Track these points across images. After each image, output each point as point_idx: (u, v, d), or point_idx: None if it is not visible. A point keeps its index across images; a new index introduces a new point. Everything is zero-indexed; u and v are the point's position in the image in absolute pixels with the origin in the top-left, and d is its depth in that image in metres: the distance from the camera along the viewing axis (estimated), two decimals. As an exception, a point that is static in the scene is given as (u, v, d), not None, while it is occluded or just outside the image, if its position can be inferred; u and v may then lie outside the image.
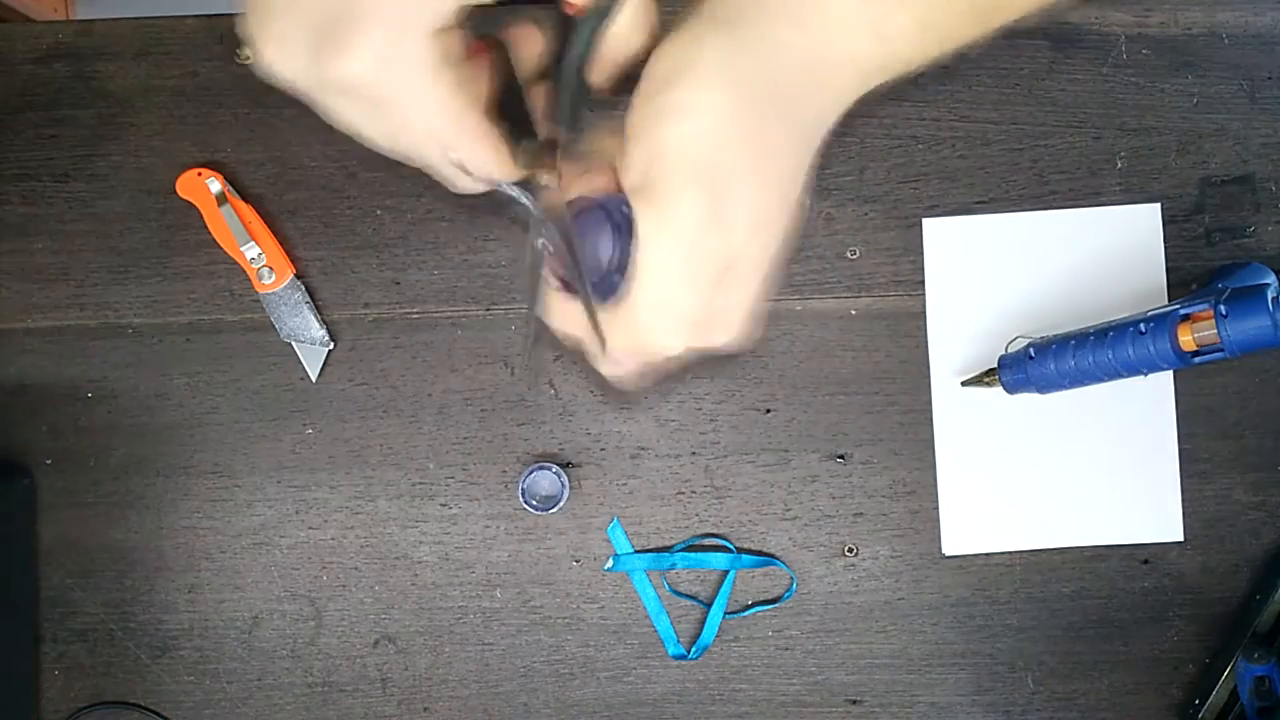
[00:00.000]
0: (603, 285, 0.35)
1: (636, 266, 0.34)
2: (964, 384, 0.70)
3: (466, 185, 0.36)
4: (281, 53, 0.32)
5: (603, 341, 0.35)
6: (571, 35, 0.34)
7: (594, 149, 0.36)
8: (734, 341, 0.36)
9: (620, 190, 0.34)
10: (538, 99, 0.36)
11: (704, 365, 0.36)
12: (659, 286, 0.34)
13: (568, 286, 0.36)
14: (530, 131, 0.36)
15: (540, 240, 0.36)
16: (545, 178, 0.35)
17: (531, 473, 0.69)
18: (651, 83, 0.33)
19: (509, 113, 0.35)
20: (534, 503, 0.69)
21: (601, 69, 0.35)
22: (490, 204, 0.36)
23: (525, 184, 0.36)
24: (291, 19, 0.31)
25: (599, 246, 0.35)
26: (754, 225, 0.34)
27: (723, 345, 0.36)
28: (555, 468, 0.69)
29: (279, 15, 0.31)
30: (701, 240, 0.33)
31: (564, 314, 0.37)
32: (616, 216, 0.34)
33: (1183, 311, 0.61)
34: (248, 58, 0.70)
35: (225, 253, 0.69)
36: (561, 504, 0.69)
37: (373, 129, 0.34)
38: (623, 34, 0.34)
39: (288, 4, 0.31)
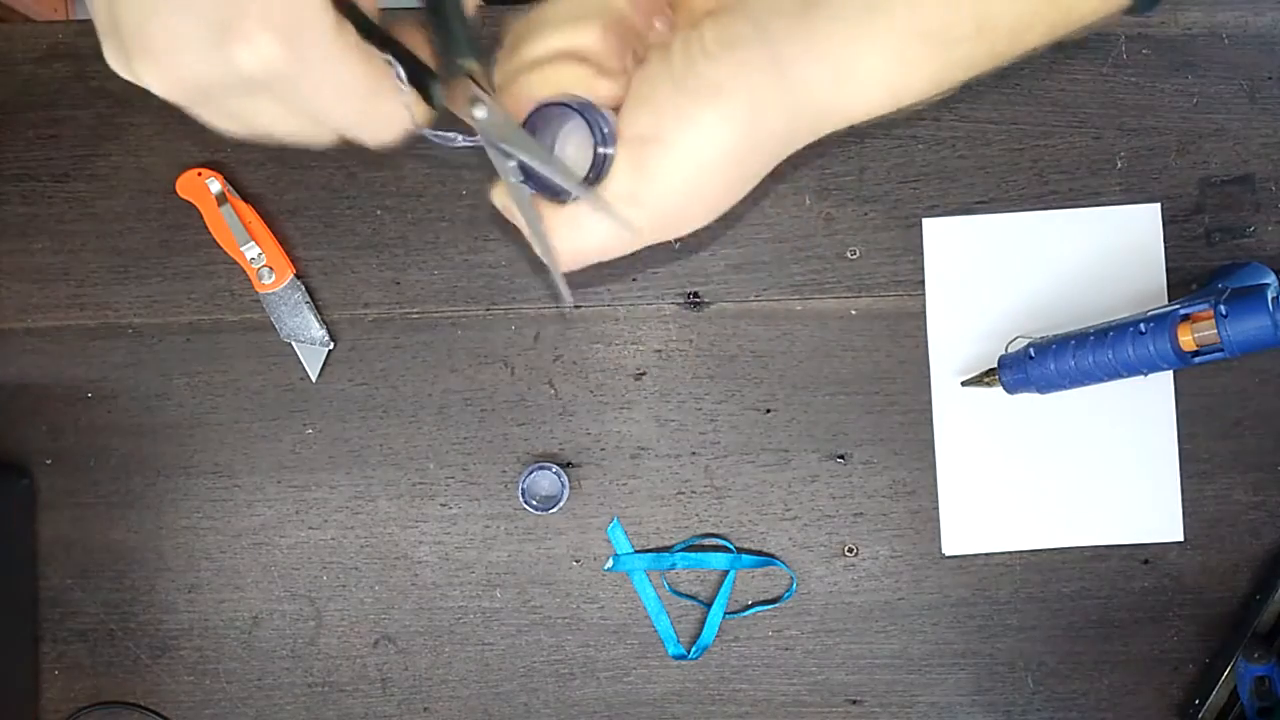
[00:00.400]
0: (554, 184, 0.36)
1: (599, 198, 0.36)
2: (964, 384, 0.70)
3: (385, 140, 0.36)
4: (172, 57, 0.30)
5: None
6: None
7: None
8: None
9: (586, 101, 0.35)
10: (407, 32, 0.36)
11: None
12: (598, 236, 0.37)
13: (535, 184, 0.37)
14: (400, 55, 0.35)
15: (510, 164, 0.36)
16: (480, 110, 0.35)
17: (531, 473, 0.69)
18: (689, 77, 0.35)
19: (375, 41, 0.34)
20: (534, 503, 0.69)
21: None
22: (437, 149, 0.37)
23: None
24: (181, 18, 0.29)
25: (571, 143, 0.36)
26: (699, 223, 0.38)
27: None
28: (555, 468, 0.69)
29: (167, 15, 0.29)
30: (655, 230, 0.37)
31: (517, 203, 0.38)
32: (593, 121, 0.35)
33: (1183, 311, 0.61)
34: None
35: (225, 253, 0.69)
36: (561, 504, 0.69)
37: (283, 118, 0.33)
38: None
39: (175, 3, 0.29)
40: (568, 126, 0.36)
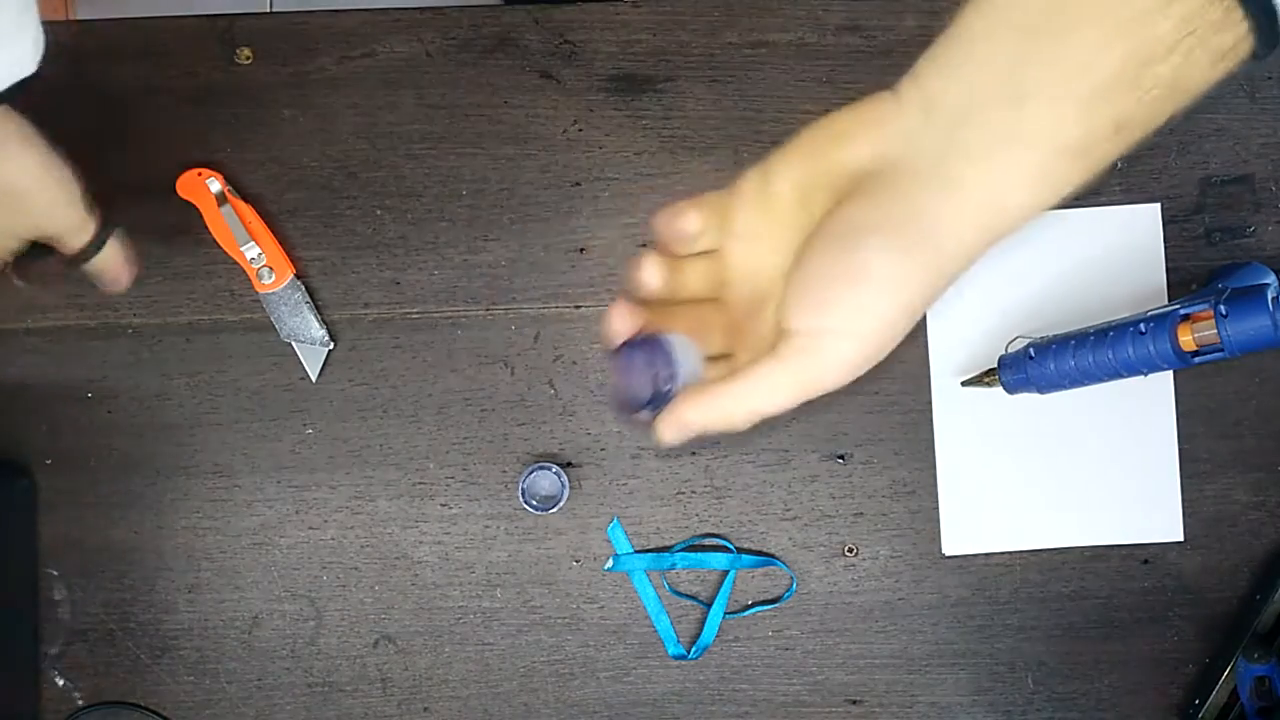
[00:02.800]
0: (649, 405, 0.40)
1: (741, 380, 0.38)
2: (964, 384, 0.70)
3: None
4: None
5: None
6: None
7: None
8: None
9: (656, 332, 0.40)
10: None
11: None
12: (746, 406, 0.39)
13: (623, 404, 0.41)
14: None
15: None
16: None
17: (531, 473, 0.69)
18: (839, 263, 0.36)
19: None
20: (534, 503, 0.69)
21: None
22: None
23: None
24: None
25: (639, 379, 0.40)
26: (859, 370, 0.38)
27: None
28: (555, 468, 0.69)
29: None
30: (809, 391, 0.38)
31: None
32: (657, 358, 0.39)
33: (1183, 311, 0.61)
34: (248, 58, 0.70)
35: (225, 253, 0.69)
36: (561, 504, 0.69)
37: None
38: None
39: None
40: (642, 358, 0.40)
